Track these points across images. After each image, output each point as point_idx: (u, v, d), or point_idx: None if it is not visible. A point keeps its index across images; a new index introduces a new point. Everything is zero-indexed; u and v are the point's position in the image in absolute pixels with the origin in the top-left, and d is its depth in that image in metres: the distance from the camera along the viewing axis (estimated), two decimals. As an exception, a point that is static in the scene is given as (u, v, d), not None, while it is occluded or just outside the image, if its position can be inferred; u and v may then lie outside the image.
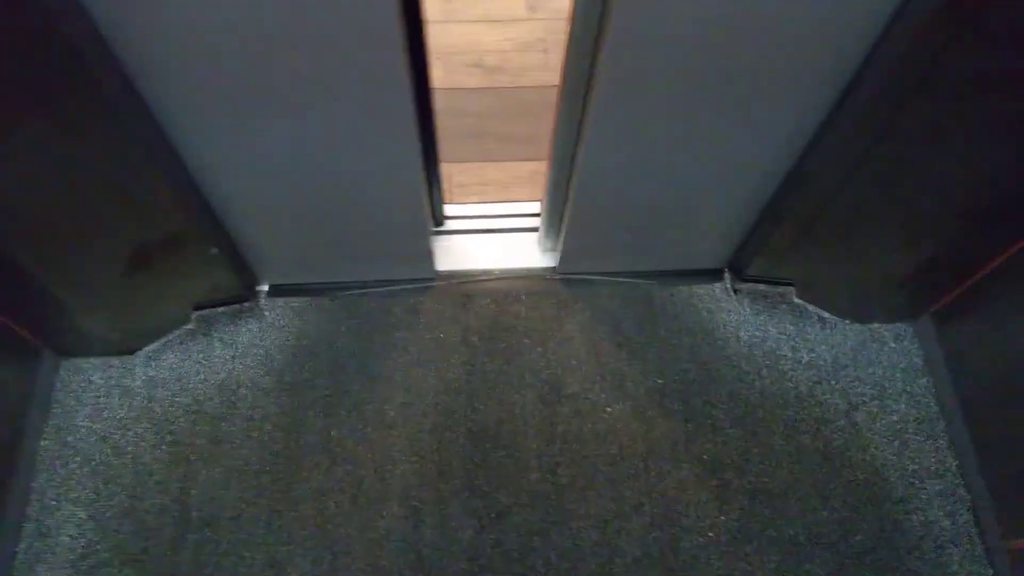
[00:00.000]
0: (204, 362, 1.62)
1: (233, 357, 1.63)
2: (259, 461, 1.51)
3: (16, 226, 1.21)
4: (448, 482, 1.49)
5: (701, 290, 1.76)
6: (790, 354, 1.67)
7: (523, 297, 1.74)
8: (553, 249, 1.75)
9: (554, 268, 1.76)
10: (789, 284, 1.69)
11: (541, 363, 1.64)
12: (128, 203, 1.20)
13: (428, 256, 1.68)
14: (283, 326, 1.68)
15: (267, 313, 1.69)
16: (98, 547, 1.42)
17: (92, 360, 1.62)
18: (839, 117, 1.20)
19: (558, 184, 1.51)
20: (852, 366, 1.66)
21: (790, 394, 1.62)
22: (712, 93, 1.17)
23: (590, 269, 1.76)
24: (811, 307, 1.72)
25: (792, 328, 1.71)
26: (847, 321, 1.72)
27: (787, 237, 1.50)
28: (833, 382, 1.64)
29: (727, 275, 1.77)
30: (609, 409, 1.59)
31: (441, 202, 1.74)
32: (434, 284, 1.75)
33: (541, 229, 1.74)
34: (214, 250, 1.40)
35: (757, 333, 1.70)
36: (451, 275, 1.76)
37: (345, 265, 1.70)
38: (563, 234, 1.61)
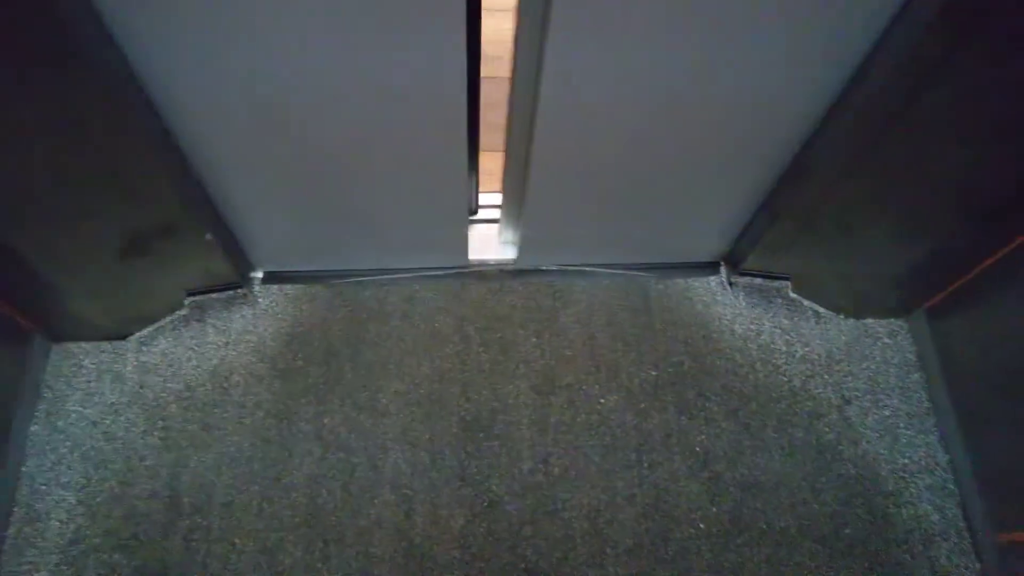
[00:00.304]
0: (196, 348, 1.61)
1: (226, 343, 1.62)
2: (251, 448, 1.50)
3: (10, 210, 1.19)
4: (440, 471, 1.49)
5: (697, 283, 1.76)
6: (784, 348, 1.68)
7: (518, 288, 1.73)
8: (512, 241, 1.71)
9: (513, 260, 1.73)
10: (785, 279, 1.69)
11: (535, 353, 1.64)
12: (122, 187, 1.19)
13: (462, 244, 1.66)
14: (277, 313, 1.67)
15: (261, 300, 1.68)
16: (88, 532, 1.41)
17: (83, 345, 1.60)
18: (839, 113, 1.20)
19: (515, 176, 1.48)
20: (846, 361, 1.67)
21: (783, 388, 1.62)
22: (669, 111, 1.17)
23: (553, 263, 1.74)
24: (806, 302, 1.72)
25: (787, 322, 1.71)
26: (842, 316, 1.72)
27: (784, 232, 1.50)
28: (826, 376, 1.64)
29: (723, 269, 1.77)
30: (603, 400, 1.59)
31: (476, 191, 1.70)
32: (464, 271, 1.73)
33: (501, 221, 1.70)
34: (208, 236, 1.39)
35: (752, 327, 1.70)
36: (482, 264, 1.74)
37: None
38: (520, 227, 1.58)
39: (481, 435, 1.53)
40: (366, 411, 1.56)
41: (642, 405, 1.58)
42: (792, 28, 1.05)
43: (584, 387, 1.60)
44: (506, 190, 1.55)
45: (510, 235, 1.70)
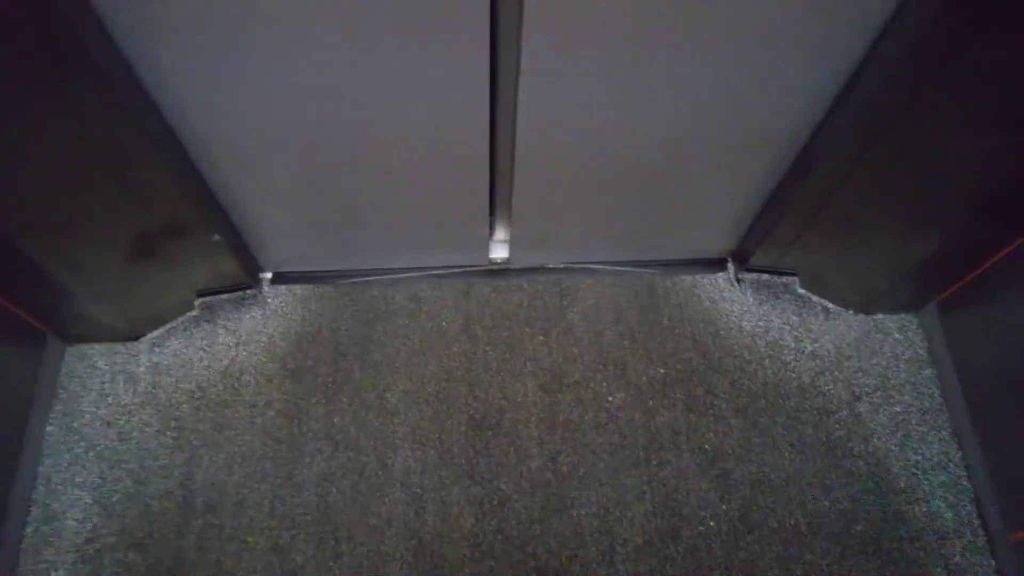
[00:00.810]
0: (207, 349, 1.63)
1: (236, 344, 1.64)
2: (262, 447, 1.52)
3: (20, 213, 1.21)
4: (449, 469, 1.50)
5: (704, 280, 1.75)
6: (793, 344, 1.67)
7: (525, 286, 1.73)
8: (503, 240, 1.70)
9: (507, 259, 1.72)
10: (793, 274, 1.68)
11: (543, 351, 1.64)
12: (128, 189, 1.20)
13: (483, 243, 1.65)
14: (286, 313, 1.68)
15: (270, 300, 1.70)
16: (103, 531, 1.43)
17: (97, 346, 1.63)
18: (844, 106, 1.19)
19: (503, 172, 1.46)
20: (856, 357, 1.65)
21: (792, 384, 1.61)
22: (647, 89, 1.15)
23: (550, 260, 1.73)
24: (815, 297, 1.71)
25: (795, 318, 1.70)
26: (851, 312, 1.71)
27: (791, 227, 1.49)
28: (836, 372, 1.63)
29: (730, 265, 1.76)
30: (611, 398, 1.59)
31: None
32: (470, 270, 1.73)
33: (492, 218, 1.67)
34: (216, 237, 1.40)
35: (760, 323, 1.69)
36: (494, 262, 1.74)
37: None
38: (511, 225, 1.57)
39: (489, 433, 1.54)
40: (375, 410, 1.57)
41: (650, 402, 1.58)
42: (795, 18, 1.04)
43: (592, 385, 1.60)
44: (495, 186, 1.54)
45: (501, 233, 1.69)
